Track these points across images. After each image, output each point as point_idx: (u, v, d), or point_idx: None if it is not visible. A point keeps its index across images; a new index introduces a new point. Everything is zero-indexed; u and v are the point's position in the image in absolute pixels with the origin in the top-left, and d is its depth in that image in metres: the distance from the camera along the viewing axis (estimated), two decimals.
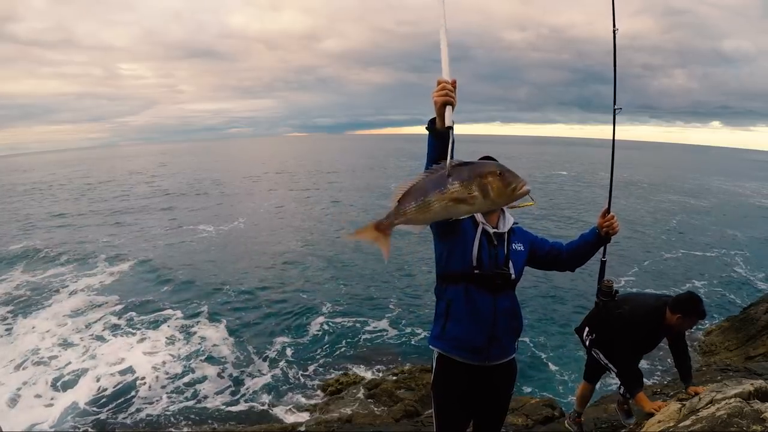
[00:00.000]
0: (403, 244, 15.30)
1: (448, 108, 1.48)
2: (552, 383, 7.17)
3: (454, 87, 1.47)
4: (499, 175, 1.38)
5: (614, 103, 2.54)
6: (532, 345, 8.21)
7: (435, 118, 1.54)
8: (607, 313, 2.93)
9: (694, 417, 2.30)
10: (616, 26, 2.37)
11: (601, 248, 2.27)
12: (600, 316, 3.01)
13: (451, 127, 1.48)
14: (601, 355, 3.11)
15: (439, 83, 1.47)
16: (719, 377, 3.92)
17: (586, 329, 3.14)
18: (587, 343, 3.16)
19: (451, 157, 1.46)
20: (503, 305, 1.95)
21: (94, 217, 22.40)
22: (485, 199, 1.39)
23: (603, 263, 2.60)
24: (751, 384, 2.52)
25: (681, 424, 2.33)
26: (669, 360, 7.82)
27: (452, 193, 1.38)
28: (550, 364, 7.73)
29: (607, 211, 2.14)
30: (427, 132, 1.61)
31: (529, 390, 6.74)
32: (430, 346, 2.05)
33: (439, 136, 1.53)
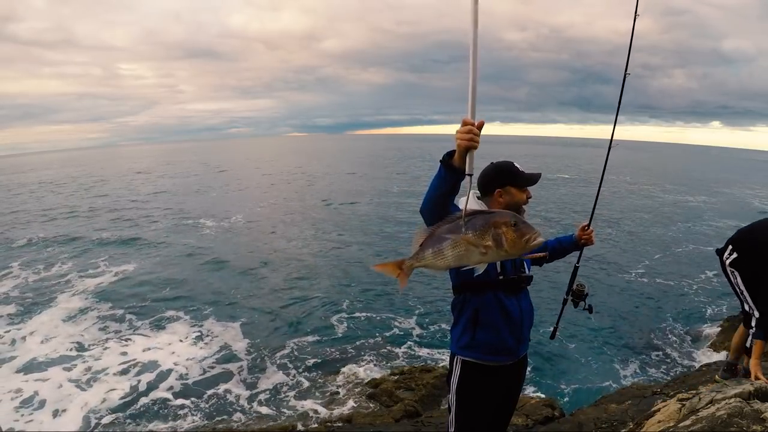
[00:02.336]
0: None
1: (471, 153, 1.45)
2: (552, 383, 7.17)
3: (480, 129, 1.43)
4: (513, 225, 1.39)
5: (611, 138, 2.57)
6: (532, 344, 8.22)
7: (453, 151, 1.50)
8: (758, 233, 2.77)
9: (694, 417, 2.30)
10: (629, 71, 2.41)
11: (578, 255, 2.46)
12: (749, 235, 2.84)
13: (470, 175, 1.48)
14: (738, 278, 2.87)
15: (464, 124, 1.42)
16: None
17: (729, 248, 2.89)
18: (727, 262, 2.90)
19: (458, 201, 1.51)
20: (526, 305, 2.04)
21: (100, 214, 22.53)
22: (498, 249, 1.40)
23: (576, 269, 2.66)
24: (751, 384, 2.52)
25: (681, 424, 2.34)
26: (669, 360, 7.83)
27: (466, 242, 1.41)
28: (550, 364, 7.73)
29: (587, 226, 2.31)
30: (440, 162, 1.55)
31: (529, 390, 6.74)
32: (459, 356, 2.01)
33: (453, 174, 1.52)
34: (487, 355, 1.97)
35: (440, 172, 1.55)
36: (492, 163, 2.08)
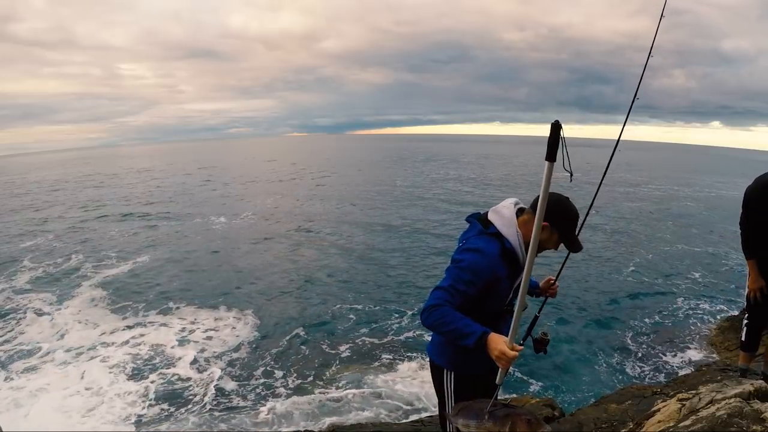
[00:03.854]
0: (416, 243, 15.34)
1: (503, 370, 1.76)
2: (552, 383, 7.16)
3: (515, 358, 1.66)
4: (527, 422, 1.65)
5: (612, 155, 2.41)
6: (532, 345, 8.21)
7: (487, 336, 1.68)
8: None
9: (694, 417, 2.30)
10: (638, 96, 2.36)
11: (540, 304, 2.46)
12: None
13: (499, 385, 1.82)
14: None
15: (510, 356, 1.63)
16: (719, 377, 3.91)
17: None
18: None
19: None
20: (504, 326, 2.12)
21: (109, 212, 22.75)
22: None
23: (536, 318, 2.65)
24: (751, 384, 2.53)
25: (681, 424, 2.34)
26: (669, 360, 7.83)
27: (486, 428, 1.69)
28: (550, 364, 7.72)
29: (554, 280, 2.36)
30: (475, 338, 1.69)
31: (529, 390, 6.74)
32: (452, 372, 2.09)
33: (476, 349, 1.70)
34: (482, 367, 2.03)
35: (468, 341, 1.71)
36: (565, 197, 1.95)
